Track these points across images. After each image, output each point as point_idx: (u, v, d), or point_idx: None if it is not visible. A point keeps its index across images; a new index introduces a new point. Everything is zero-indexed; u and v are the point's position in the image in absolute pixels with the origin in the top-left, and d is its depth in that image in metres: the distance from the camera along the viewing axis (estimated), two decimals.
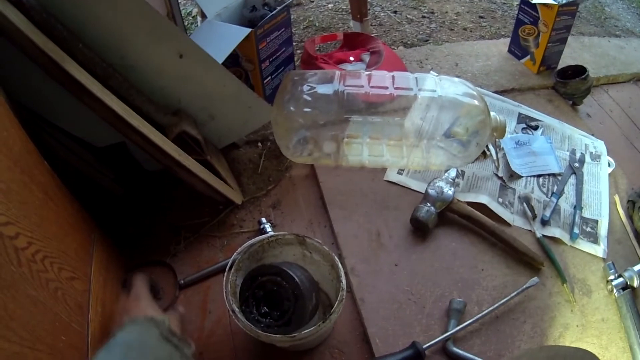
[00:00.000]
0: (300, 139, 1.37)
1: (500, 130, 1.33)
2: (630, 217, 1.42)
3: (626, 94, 1.99)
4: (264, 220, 1.30)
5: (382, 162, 1.42)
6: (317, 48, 1.84)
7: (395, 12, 2.31)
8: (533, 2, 1.72)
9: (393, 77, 1.35)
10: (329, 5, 2.30)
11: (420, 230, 1.28)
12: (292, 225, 1.33)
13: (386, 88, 1.32)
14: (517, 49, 1.94)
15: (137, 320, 0.78)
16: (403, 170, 1.44)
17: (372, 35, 1.88)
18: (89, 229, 1.04)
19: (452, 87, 1.32)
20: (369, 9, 2.25)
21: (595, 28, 2.64)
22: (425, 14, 2.33)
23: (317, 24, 2.17)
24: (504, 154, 1.49)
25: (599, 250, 1.31)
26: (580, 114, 1.80)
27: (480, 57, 1.94)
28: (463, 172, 1.43)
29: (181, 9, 1.74)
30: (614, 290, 1.20)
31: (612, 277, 1.23)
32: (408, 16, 2.29)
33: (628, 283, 1.21)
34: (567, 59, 1.94)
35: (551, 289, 1.20)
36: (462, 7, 2.46)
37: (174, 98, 1.22)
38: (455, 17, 2.35)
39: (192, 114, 1.27)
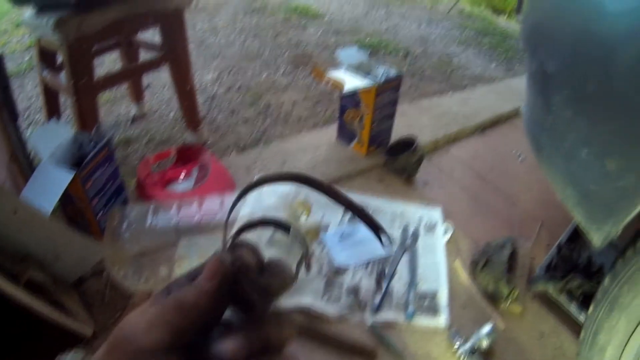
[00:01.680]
0: (134, 268, 1.36)
1: (313, 232, 1.33)
2: (475, 279, 1.45)
3: (471, 148, 2.06)
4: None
5: None
6: (157, 165, 1.82)
7: (232, 112, 2.34)
8: (344, 92, 1.76)
9: (222, 201, 1.37)
10: (171, 114, 2.31)
11: None
12: None
13: (216, 213, 1.34)
14: (345, 135, 1.97)
15: None
16: None
17: (204, 144, 1.88)
18: None
19: (266, 199, 1.32)
20: (207, 113, 2.28)
21: (439, 85, 2.76)
22: (261, 110, 2.38)
23: (157, 137, 2.17)
24: (327, 251, 1.48)
25: (440, 321, 1.32)
26: (417, 185, 1.84)
27: (308, 150, 1.96)
28: None
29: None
30: (463, 357, 1.22)
31: (457, 344, 1.24)
32: (244, 115, 2.32)
33: (476, 347, 1.23)
34: (402, 129, 1.99)
35: None
36: (299, 95, 2.52)
37: (20, 245, 1.27)
38: (290, 108, 2.40)
39: (40, 256, 1.30)
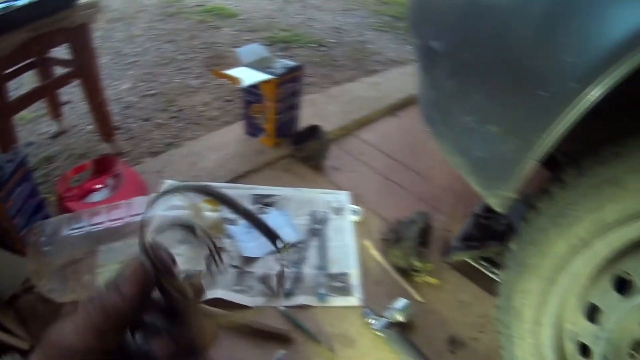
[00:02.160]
0: (59, 280, 1.38)
1: (218, 227, 1.37)
2: (386, 256, 1.51)
3: (379, 130, 2.13)
4: None
5: None
6: (77, 178, 1.83)
7: (146, 119, 2.35)
8: (244, 85, 1.80)
9: (129, 206, 1.42)
10: (88, 128, 2.30)
11: None
12: None
13: (124, 218, 1.39)
14: (252, 129, 2.02)
15: None
16: None
17: (120, 152, 1.89)
18: None
19: (173, 199, 1.35)
20: (123, 122, 2.28)
21: (352, 72, 2.82)
22: (174, 114, 2.39)
23: (77, 152, 2.16)
24: (236, 242, 1.52)
25: (353, 300, 1.38)
26: (327, 171, 1.90)
27: (217, 149, 1.99)
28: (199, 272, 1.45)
29: None
30: (379, 332, 1.27)
31: (371, 320, 1.30)
32: (157, 121, 2.33)
33: (392, 321, 1.29)
34: (311, 119, 2.03)
35: (308, 354, 1.24)
36: (210, 95, 2.55)
37: None
38: (202, 109, 2.43)
39: None
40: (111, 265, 1.43)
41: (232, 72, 1.81)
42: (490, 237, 1.50)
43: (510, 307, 1.15)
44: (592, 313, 1.02)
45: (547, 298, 1.08)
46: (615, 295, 0.98)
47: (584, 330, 1.06)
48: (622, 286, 0.98)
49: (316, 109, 2.21)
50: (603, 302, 1.01)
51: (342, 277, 1.44)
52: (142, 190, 1.71)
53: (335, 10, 4.14)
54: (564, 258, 1.02)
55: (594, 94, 0.80)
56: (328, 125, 2.04)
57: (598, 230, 0.96)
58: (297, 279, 1.42)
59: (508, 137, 0.98)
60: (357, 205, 1.71)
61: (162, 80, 2.70)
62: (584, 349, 1.06)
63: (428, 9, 1.14)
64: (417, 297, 1.42)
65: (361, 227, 1.63)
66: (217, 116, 2.36)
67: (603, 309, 1.00)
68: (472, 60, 1.01)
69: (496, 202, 1.09)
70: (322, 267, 1.46)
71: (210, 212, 1.39)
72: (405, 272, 1.48)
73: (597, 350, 1.02)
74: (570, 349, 1.11)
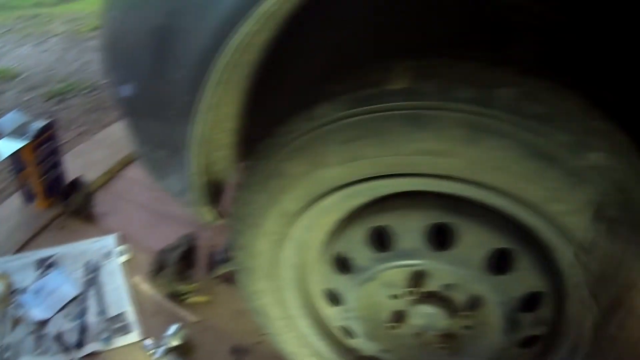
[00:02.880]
0: None
1: (4, 300, 1.54)
2: (156, 287, 1.67)
3: None
4: None
5: None
6: None
7: None
8: (3, 158, 1.88)
9: None
10: None
11: None
12: None
13: None
14: (27, 196, 2.08)
15: None
16: None
17: None
18: None
19: None
20: None
21: (117, 112, 2.88)
22: None
23: None
24: (27, 309, 1.63)
25: (134, 336, 1.55)
26: (97, 219, 2.03)
27: (1, 223, 2.02)
28: None
29: None
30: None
31: (152, 351, 1.46)
32: None
33: (170, 347, 1.45)
34: (79, 170, 2.11)
35: None
36: None
37: None
38: None
39: None
40: None
41: None
42: None
43: (255, 308, 1.21)
44: (336, 297, 1.08)
45: (283, 294, 1.15)
46: (341, 276, 1.04)
47: (334, 314, 1.14)
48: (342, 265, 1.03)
49: (84, 159, 2.28)
50: (335, 285, 1.08)
51: (120, 317, 1.60)
52: None
53: None
54: (273, 255, 1.07)
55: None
56: (96, 172, 2.15)
57: (288, 221, 1.00)
58: (83, 329, 1.57)
59: (172, 158, 1.02)
60: (125, 244, 1.85)
61: None
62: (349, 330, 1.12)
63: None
64: (192, 318, 1.58)
65: (131, 265, 1.78)
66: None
67: (340, 292, 1.07)
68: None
69: (206, 216, 1.14)
70: (101, 312, 1.62)
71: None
72: (176, 297, 1.62)
73: (357, 329, 1.10)
74: (337, 332, 1.19)
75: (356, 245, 1.00)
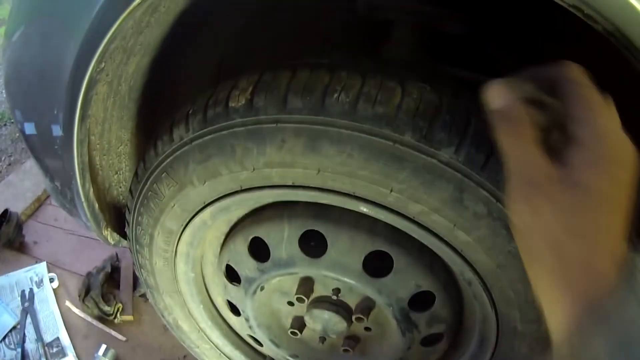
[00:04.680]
0: None
1: None
2: (83, 310, 1.78)
3: None
4: None
5: None
6: None
7: None
8: None
9: None
10: None
11: None
12: None
13: None
14: None
15: None
16: None
17: None
18: None
19: None
20: None
21: None
22: None
23: None
24: None
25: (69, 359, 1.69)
26: (28, 248, 2.12)
27: None
28: None
29: None
30: None
31: None
32: None
33: None
34: (9, 203, 2.18)
35: None
36: None
37: None
38: None
39: None
40: None
41: None
42: None
43: (170, 323, 1.26)
44: (236, 307, 1.10)
45: (189, 308, 1.18)
46: (235, 287, 1.05)
47: (240, 323, 1.17)
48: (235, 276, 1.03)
49: (14, 190, 2.36)
50: (232, 295, 1.09)
51: (55, 342, 1.72)
52: None
53: None
54: (170, 271, 1.10)
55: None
56: (25, 202, 2.24)
57: (173, 239, 1.03)
58: (24, 356, 1.69)
59: (67, 188, 1.02)
60: (55, 271, 1.94)
61: None
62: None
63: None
64: (121, 337, 1.69)
65: (61, 291, 1.87)
66: None
67: (237, 302, 1.09)
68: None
69: (108, 239, 1.16)
70: (38, 339, 1.72)
71: None
72: (104, 318, 1.73)
73: (262, 337, 1.11)
74: (249, 341, 1.23)
75: (241, 256, 1.01)
